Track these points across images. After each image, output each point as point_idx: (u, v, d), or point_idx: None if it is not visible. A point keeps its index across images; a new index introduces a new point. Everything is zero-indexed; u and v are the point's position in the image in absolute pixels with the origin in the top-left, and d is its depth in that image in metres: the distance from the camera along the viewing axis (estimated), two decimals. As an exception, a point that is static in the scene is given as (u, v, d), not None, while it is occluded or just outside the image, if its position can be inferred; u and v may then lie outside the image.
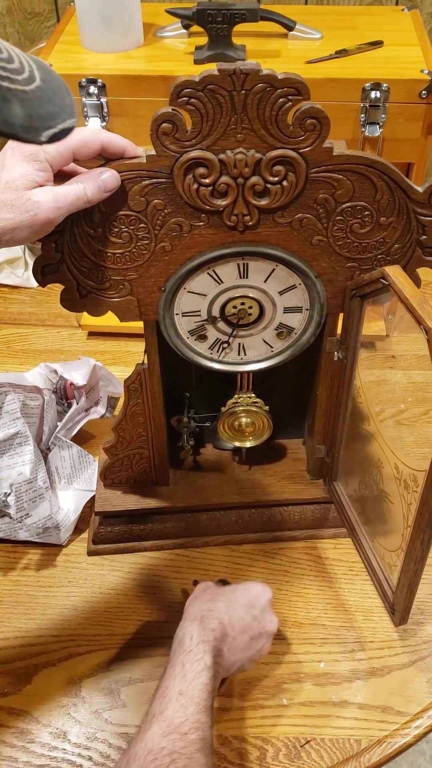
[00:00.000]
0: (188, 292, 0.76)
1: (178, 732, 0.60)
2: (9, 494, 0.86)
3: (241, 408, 0.89)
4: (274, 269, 0.75)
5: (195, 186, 0.68)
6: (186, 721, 0.61)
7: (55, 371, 1.02)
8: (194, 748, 0.59)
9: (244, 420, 0.90)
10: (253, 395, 0.88)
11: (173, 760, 0.58)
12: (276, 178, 0.68)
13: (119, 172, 0.67)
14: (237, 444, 0.92)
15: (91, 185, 0.66)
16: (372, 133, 1.10)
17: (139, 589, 0.89)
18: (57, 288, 0.75)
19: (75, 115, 0.48)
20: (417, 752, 1.58)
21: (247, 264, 0.74)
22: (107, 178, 0.66)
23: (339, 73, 1.10)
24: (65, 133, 0.47)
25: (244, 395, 0.88)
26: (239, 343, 0.81)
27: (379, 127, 1.10)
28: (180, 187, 0.68)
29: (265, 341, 0.81)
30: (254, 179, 0.68)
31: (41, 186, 0.63)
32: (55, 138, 0.46)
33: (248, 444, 0.92)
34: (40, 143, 0.46)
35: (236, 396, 0.88)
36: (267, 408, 0.89)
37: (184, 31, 1.20)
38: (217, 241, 0.72)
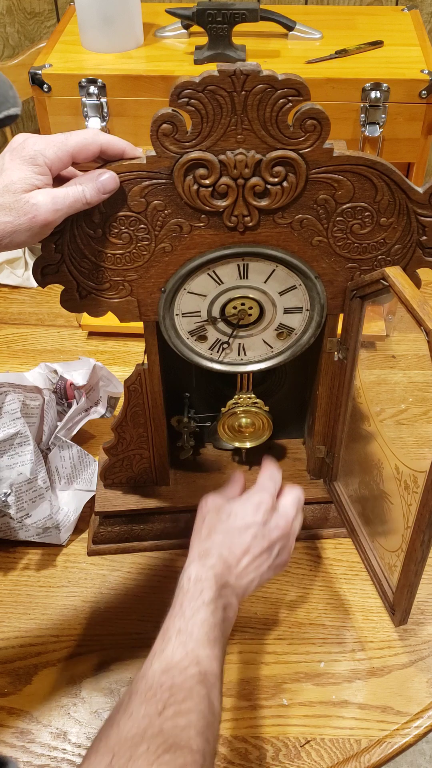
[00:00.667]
0: (188, 292, 0.76)
1: (177, 668, 0.61)
2: (9, 494, 0.86)
3: (241, 408, 0.89)
4: (274, 270, 0.75)
5: (195, 187, 0.68)
6: (185, 657, 0.62)
7: (55, 371, 1.02)
8: (194, 681, 0.60)
9: (244, 420, 0.90)
10: (253, 395, 0.88)
11: (172, 694, 0.59)
12: (276, 179, 0.68)
13: (119, 173, 0.67)
14: (237, 445, 0.93)
15: (90, 187, 0.66)
16: (372, 133, 1.10)
17: (139, 589, 0.89)
18: (57, 288, 0.75)
19: (18, 104, 0.51)
20: (417, 752, 1.59)
21: (247, 265, 0.74)
22: (106, 179, 0.66)
23: (339, 73, 1.10)
24: (10, 119, 0.50)
25: (244, 395, 0.88)
26: (239, 344, 0.81)
27: (379, 127, 1.10)
28: (180, 188, 0.68)
29: (265, 342, 0.81)
30: (254, 180, 0.68)
31: (39, 189, 0.63)
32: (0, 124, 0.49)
33: (248, 445, 0.92)
34: None
35: (236, 396, 0.88)
36: (267, 408, 0.89)
37: (184, 31, 1.20)
38: (217, 241, 0.72)
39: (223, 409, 0.89)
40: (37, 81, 1.10)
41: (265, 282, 0.76)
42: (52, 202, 0.63)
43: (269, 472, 0.80)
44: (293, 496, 0.79)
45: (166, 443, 0.89)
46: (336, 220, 0.71)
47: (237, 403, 0.89)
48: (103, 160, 0.68)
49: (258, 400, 0.89)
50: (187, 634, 0.63)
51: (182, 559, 0.91)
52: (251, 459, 0.96)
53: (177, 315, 0.77)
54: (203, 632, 0.64)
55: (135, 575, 0.90)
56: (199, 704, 0.59)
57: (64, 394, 1.00)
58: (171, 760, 0.54)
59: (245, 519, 0.74)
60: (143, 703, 0.58)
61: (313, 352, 0.83)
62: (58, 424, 0.96)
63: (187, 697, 0.59)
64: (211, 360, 0.82)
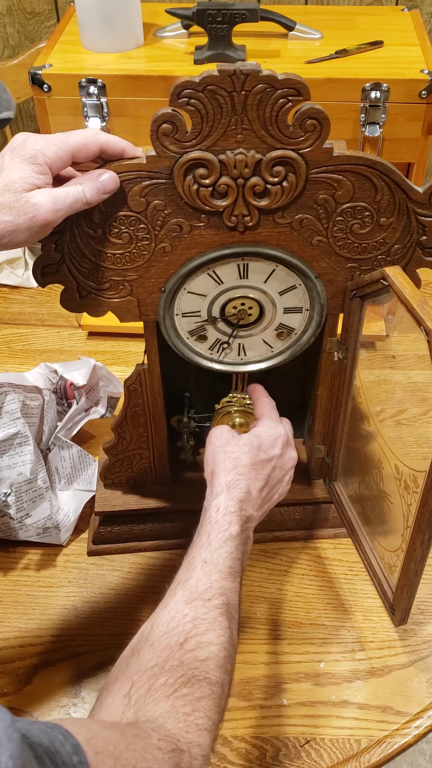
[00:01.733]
0: (188, 292, 0.76)
1: (201, 599, 0.62)
2: (9, 494, 0.86)
3: (236, 408, 0.88)
4: (274, 270, 0.75)
5: (195, 186, 0.68)
6: (209, 588, 0.63)
7: (55, 371, 1.02)
8: (216, 612, 0.61)
9: (238, 420, 0.89)
10: (246, 396, 0.88)
11: (195, 626, 0.59)
12: (276, 179, 0.68)
13: (119, 173, 0.67)
14: None
15: (90, 186, 0.66)
16: (372, 133, 1.10)
17: (139, 589, 0.89)
18: (57, 288, 0.75)
19: (12, 108, 0.51)
20: (417, 752, 1.59)
21: (247, 264, 0.74)
22: (106, 179, 0.66)
23: (339, 73, 1.10)
24: (2, 123, 0.49)
25: (238, 395, 0.88)
26: (239, 344, 0.81)
27: (379, 127, 1.10)
28: (180, 188, 0.68)
29: (265, 341, 0.81)
30: (254, 180, 0.68)
31: (39, 188, 0.63)
32: None
33: None
34: None
35: (230, 395, 0.88)
36: None
37: (184, 31, 1.20)
38: (217, 241, 0.72)
39: (217, 406, 0.89)
40: (37, 81, 1.10)
41: (265, 282, 0.76)
42: (52, 202, 0.63)
43: (268, 401, 0.84)
44: (290, 426, 0.83)
45: (166, 443, 0.89)
46: (336, 219, 0.71)
47: (230, 402, 0.88)
48: (103, 159, 0.68)
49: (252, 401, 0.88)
50: (212, 565, 0.64)
51: (182, 559, 0.91)
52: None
53: (177, 315, 0.77)
54: (227, 565, 0.65)
55: (135, 575, 0.90)
56: (221, 636, 0.60)
57: (64, 394, 1.00)
58: (189, 693, 0.55)
59: (268, 452, 0.76)
60: (165, 633, 0.59)
61: (313, 352, 0.83)
62: (58, 424, 0.96)
63: (209, 629, 0.59)
64: (211, 360, 0.82)
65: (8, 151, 0.64)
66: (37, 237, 0.65)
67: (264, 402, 0.84)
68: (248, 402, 0.88)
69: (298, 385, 0.92)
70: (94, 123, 1.13)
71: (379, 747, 0.75)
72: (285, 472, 0.78)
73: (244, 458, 0.74)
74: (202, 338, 0.80)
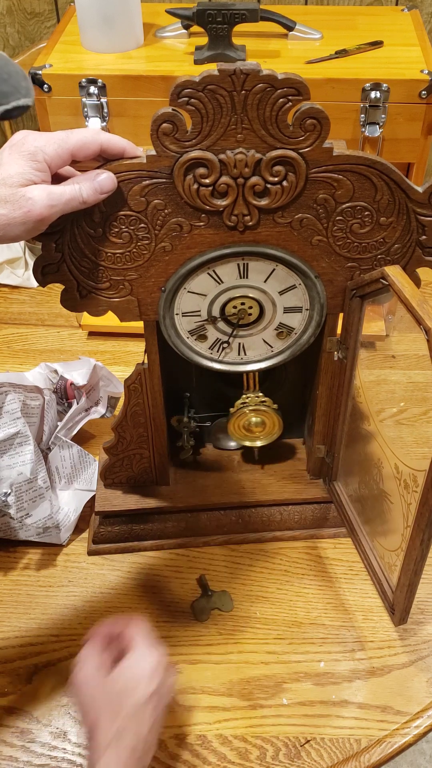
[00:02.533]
0: (188, 292, 0.76)
1: None
2: (9, 494, 0.86)
3: (251, 408, 0.88)
4: (274, 269, 0.75)
5: (195, 186, 0.68)
6: None
7: (56, 371, 1.02)
8: None
9: (254, 419, 0.89)
10: (260, 394, 0.88)
11: None
12: (276, 179, 0.68)
13: (119, 173, 0.67)
14: (248, 444, 0.92)
15: (87, 186, 0.66)
16: (372, 133, 1.10)
17: (139, 589, 0.89)
18: (57, 288, 0.75)
19: (31, 95, 0.49)
20: (417, 752, 1.59)
21: (247, 264, 0.74)
22: (104, 179, 0.66)
23: (339, 73, 1.10)
24: (19, 110, 0.48)
25: (252, 395, 0.88)
26: (239, 343, 0.81)
27: (379, 127, 1.10)
28: (180, 188, 0.68)
29: (265, 341, 0.81)
30: (254, 179, 0.68)
31: (36, 184, 0.63)
32: (7, 114, 0.48)
33: (258, 443, 0.92)
34: None
35: (243, 396, 0.88)
36: (276, 406, 0.89)
37: (184, 31, 1.20)
38: (217, 241, 0.72)
39: (231, 409, 0.88)
40: (37, 81, 1.10)
41: (264, 281, 0.76)
42: (48, 198, 0.63)
43: (137, 628, 0.71)
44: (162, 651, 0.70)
45: (166, 443, 0.89)
46: (336, 219, 0.71)
47: (245, 403, 0.88)
48: (104, 159, 0.68)
49: (266, 399, 0.88)
50: None
51: (182, 558, 0.92)
52: (251, 458, 0.96)
53: (177, 314, 0.77)
54: None
55: (135, 575, 0.90)
56: None
57: (64, 394, 1.00)
58: None
59: (147, 688, 0.66)
60: None
61: (313, 351, 0.83)
62: (59, 423, 0.96)
63: None
64: (211, 359, 0.82)
65: (8, 147, 0.64)
66: (31, 233, 0.65)
67: (136, 632, 0.70)
68: (262, 400, 0.88)
69: (298, 385, 0.92)
70: (94, 123, 1.13)
71: (379, 747, 0.75)
72: (167, 697, 0.68)
73: (125, 701, 0.65)
74: (202, 338, 0.80)
